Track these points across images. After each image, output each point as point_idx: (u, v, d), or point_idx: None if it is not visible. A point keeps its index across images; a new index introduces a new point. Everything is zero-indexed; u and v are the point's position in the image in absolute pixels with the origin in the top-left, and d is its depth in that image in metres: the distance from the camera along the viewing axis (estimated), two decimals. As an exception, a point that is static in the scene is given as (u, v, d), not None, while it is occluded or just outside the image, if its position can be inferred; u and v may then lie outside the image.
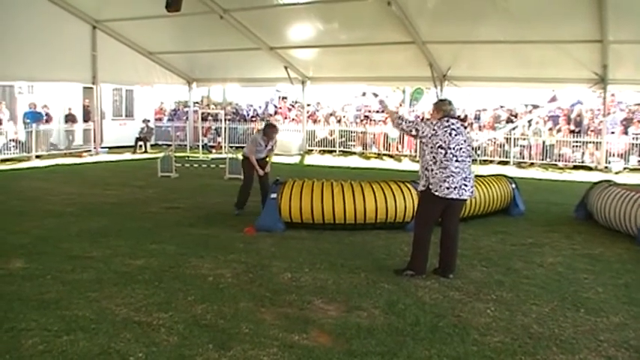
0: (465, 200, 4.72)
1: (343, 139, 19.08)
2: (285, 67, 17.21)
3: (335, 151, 18.81)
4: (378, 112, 20.94)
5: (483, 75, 15.32)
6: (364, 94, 22.56)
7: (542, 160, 16.05)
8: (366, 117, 20.05)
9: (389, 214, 6.48)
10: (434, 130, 4.65)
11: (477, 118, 18.82)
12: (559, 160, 15.83)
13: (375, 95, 22.97)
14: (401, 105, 21.93)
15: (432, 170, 4.63)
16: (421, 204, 4.82)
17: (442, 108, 4.82)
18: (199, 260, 5.17)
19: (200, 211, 7.73)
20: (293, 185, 6.65)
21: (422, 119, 5.07)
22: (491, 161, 16.53)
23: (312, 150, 19.20)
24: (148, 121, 19.70)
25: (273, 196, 6.51)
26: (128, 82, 19.20)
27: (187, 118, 21.46)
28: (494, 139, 16.89)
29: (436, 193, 4.62)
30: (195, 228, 6.63)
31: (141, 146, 18.51)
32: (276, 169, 14.45)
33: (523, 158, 16.33)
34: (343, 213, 6.41)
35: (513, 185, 7.99)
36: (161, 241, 5.86)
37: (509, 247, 6.00)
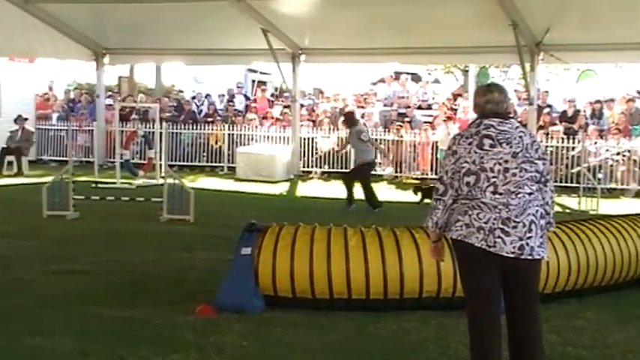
0: (528, 261, 4.55)
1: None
2: (264, 32, 17.48)
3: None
4: (421, 107, 21.16)
5: (609, 40, 15.47)
6: (397, 77, 22.83)
7: None
8: (402, 116, 20.26)
9: (443, 283, 6.51)
10: (453, 151, 4.67)
11: (597, 116, 19.01)
12: None
13: (416, 80, 23.10)
14: (459, 96, 22.14)
15: (452, 205, 4.69)
16: (459, 265, 4.93)
17: (475, 102, 4.85)
18: (115, 365, 5.24)
19: (117, 278, 7.76)
20: (279, 234, 6.69)
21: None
22: (623, 192, 16.70)
23: (309, 172, 19.38)
24: (25, 119, 19.93)
25: (246, 251, 6.59)
26: (-14, 53, 19.52)
27: (94, 116, 21.65)
28: (629, 151, 17.02)
29: (449, 236, 4.67)
30: (109, 307, 6.65)
31: (11, 164, 18.71)
32: (251, 204, 14.68)
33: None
34: (365, 282, 6.45)
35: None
36: (48, 332, 5.88)
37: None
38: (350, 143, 13.92)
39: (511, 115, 4.87)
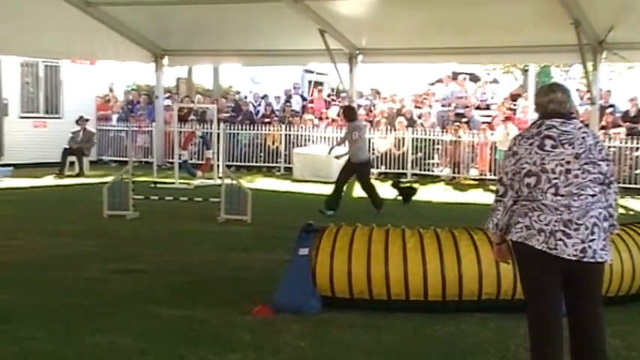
0: (590, 264, 4.45)
1: (420, 154, 19.24)
2: (322, 33, 17.53)
3: (405, 175, 18.98)
4: (479, 107, 21.00)
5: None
6: (455, 77, 22.68)
7: None
8: (460, 116, 20.14)
9: (502, 285, 6.45)
10: (514, 152, 4.61)
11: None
12: None
13: (474, 80, 22.88)
14: (518, 96, 21.90)
15: (513, 207, 4.63)
16: (519, 267, 4.85)
17: (537, 102, 4.78)
18: (174, 364, 5.30)
19: (176, 278, 7.87)
20: (337, 234, 6.71)
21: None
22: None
23: (366, 173, 19.35)
24: (87, 120, 20.28)
25: (304, 252, 6.61)
26: (50, 55, 19.94)
27: (153, 116, 22.00)
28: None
29: (509, 238, 4.62)
30: (168, 307, 6.74)
31: (73, 164, 19.07)
32: (308, 204, 14.75)
33: None
34: (423, 283, 6.43)
35: None
36: (108, 330, 5.98)
37: None
38: (347, 139, 13.62)
39: (574, 116, 4.78)
